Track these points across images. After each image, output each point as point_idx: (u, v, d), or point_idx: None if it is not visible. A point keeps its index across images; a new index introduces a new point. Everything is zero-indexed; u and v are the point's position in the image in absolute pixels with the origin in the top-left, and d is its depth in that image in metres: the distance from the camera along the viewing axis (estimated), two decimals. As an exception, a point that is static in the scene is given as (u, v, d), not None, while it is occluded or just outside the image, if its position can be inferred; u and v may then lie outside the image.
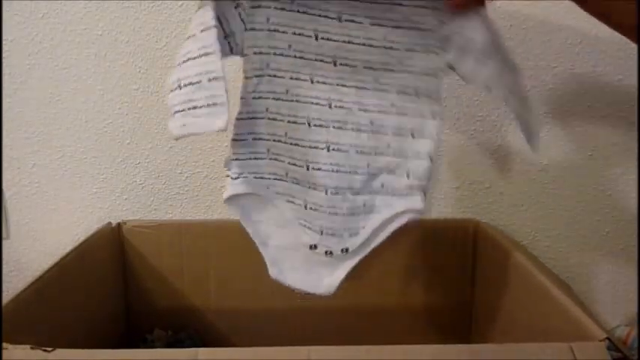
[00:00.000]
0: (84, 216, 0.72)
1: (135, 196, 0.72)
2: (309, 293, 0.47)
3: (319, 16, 0.41)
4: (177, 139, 0.41)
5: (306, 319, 0.72)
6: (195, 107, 0.39)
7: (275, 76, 0.43)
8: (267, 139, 0.44)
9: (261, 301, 0.71)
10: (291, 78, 0.43)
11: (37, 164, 0.70)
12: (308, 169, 0.44)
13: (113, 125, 0.70)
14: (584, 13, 0.67)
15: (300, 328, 0.72)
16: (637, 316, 0.75)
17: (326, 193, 0.44)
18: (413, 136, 0.43)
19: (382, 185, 0.44)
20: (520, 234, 0.74)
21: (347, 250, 0.45)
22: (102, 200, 0.72)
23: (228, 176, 0.45)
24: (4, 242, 0.73)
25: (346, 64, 0.42)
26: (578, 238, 0.75)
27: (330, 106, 0.43)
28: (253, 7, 0.41)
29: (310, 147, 0.43)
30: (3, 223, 0.72)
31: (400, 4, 0.40)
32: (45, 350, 0.35)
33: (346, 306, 0.72)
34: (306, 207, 0.45)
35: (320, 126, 0.43)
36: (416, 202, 0.44)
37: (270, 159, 0.45)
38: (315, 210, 0.45)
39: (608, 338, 0.37)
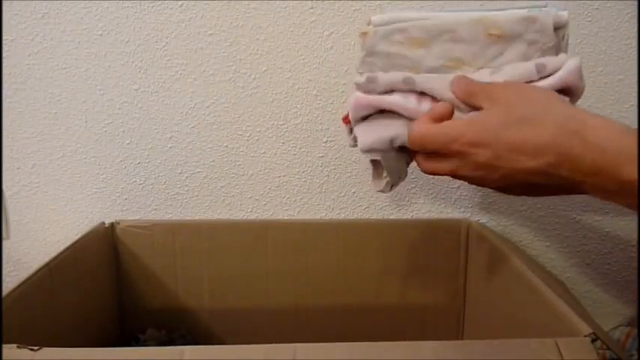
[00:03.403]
0: (84, 216, 0.72)
1: (135, 196, 0.72)
2: None
3: None
4: None
5: (300, 318, 0.72)
6: None
7: None
8: None
9: (255, 301, 0.71)
10: None
11: (37, 164, 0.71)
12: None
13: (113, 125, 0.70)
14: (584, 12, 0.68)
15: (294, 327, 0.72)
16: (637, 316, 0.75)
17: None
18: None
19: None
20: (520, 234, 0.75)
21: None
22: (102, 200, 0.72)
23: None
24: (4, 242, 0.73)
25: None
26: (577, 238, 0.75)
27: None
28: None
29: None
30: (3, 223, 0.72)
31: None
32: (31, 349, 0.35)
33: (341, 305, 0.72)
34: None
35: None
36: None
37: None
38: None
39: (594, 333, 0.37)
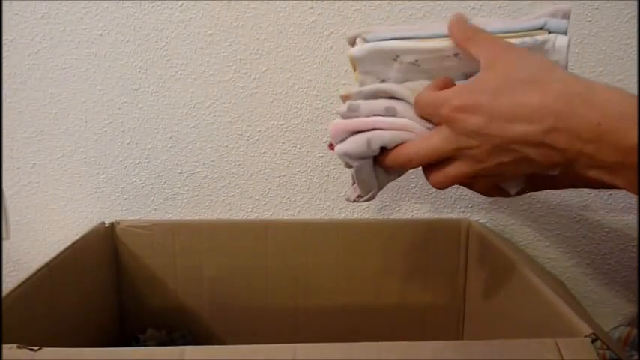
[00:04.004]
0: (84, 216, 0.72)
1: (135, 196, 0.72)
2: None
3: None
4: None
5: (300, 318, 0.72)
6: None
7: None
8: None
9: (255, 301, 0.71)
10: None
11: (37, 164, 0.71)
12: None
13: (113, 125, 0.70)
14: (584, 12, 0.68)
15: (294, 327, 0.72)
16: (637, 316, 0.75)
17: None
18: None
19: None
20: (520, 234, 0.75)
21: None
22: (102, 200, 0.72)
23: None
24: (4, 242, 0.73)
25: None
26: (577, 238, 0.75)
27: None
28: None
29: None
30: (3, 223, 0.72)
31: None
32: (31, 349, 0.35)
33: (341, 305, 0.72)
34: None
35: None
36: None
37: None
38: None
39: (594, 334, 0.37)
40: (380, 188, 0.47)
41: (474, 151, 0.37)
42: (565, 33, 0.41)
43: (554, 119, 0.33)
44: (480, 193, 0.44)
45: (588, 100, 0.33)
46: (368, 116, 0.43)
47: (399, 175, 0.47)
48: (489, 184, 0.42)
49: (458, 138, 0.37)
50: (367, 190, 0.46)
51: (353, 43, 0.45)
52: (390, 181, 0.47)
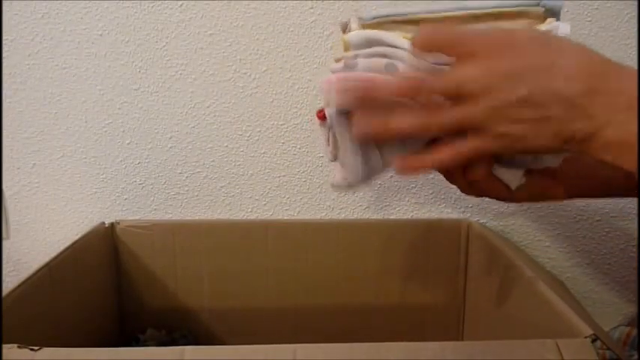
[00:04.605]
0: (84, 216, 0.72)
1: (135, 196, 0.72)
2: None
3: None
4: None
5: (300, 318, 0.72)
6: None
7: None
8: None
9: (255, 301, 0.71)
10: None
11: (37, 164, 0.71)
12: None
13: (113, 125, 0.70)
14: (584, 12, 0.67)
15: (294, 327, 0.72)
16: (637, 316, 0.75)
17: None
18: None
19: None
20: (520, 234, 0.75)
21: None
22: (102, 200, 0.72)
23: None
24: (4, 242, 0.73)
25: None
26: (578, 238, 0.75)
27: None
28: None
29: None
30: (3, 223, 0.72)
31: None
32: (32, 349, 0.35)
33: (341, 305, 0.72)
34: None
35: None
36: None
37: None
38: None
39: (594, 334, 0.37)
40: (365, 176, 0.42)
41: (500, 94, 0.32)
42: (559, 12, 0.41)
43: (590, 79, 0.31)
44: (475, 189, 0.40)
45: (619, 67, 0.32)
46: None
47: (380, 164, 0.42)
48: (491, 149, 0.35)
49: (491, 74, 0.32)
50: (344, 155, 0.41)
51: (345, 28, 0.44)
52: (373, 169, 0.42)
